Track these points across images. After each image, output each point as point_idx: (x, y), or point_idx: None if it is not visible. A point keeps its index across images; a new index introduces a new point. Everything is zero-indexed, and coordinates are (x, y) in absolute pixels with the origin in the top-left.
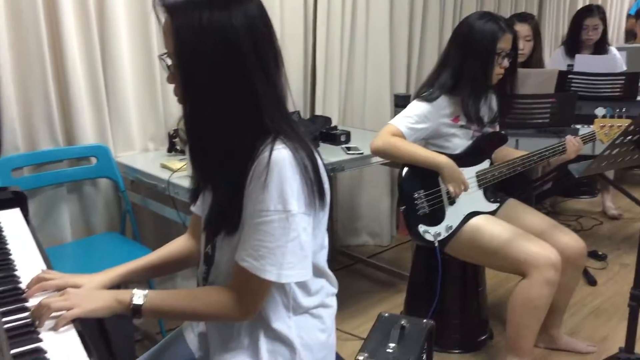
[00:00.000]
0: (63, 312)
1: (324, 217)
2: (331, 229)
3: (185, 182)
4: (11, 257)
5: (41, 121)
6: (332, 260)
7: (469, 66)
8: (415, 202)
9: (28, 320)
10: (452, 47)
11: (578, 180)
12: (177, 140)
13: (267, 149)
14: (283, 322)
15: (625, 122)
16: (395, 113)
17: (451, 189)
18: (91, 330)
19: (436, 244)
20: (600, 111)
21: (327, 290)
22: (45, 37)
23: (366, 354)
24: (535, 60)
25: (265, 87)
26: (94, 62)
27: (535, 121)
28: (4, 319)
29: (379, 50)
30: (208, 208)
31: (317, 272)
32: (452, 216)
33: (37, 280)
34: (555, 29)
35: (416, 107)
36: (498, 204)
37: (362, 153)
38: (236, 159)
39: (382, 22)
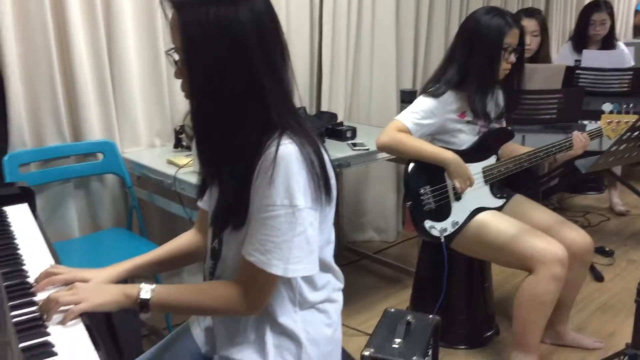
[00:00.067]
0: (71, 306)
1: (331, 212)
2: (337, 225)
3: (192, 178)
4: (19, 251)
5: (48, 117)
6: (338, 256)
7: (475, 61)
8: (421, 197)
9: (36, 314)
10: (458, 43)
11: (585, 176)
12: (183, 136)
13: (274, 144)
14: (289, 316)
15: (632, 118)
16: (402, 109)
17: (457, 184)
18: (99, 324)
19: (442, 240)
20: (607, 107)
21: (333, 285)
22: (52, 33)
23: (372, 349)
24: (542, 55)
25: (271, 82)
26: (101, 58)
27: (542, 117)
28: (13, 313)
29: (385, 47)
30: (215, 203)
31: (324, 267)
32: (458, 212)
33: (46, 274)
34: (562, 24)
35: (422, 103)
36: (504, 200)
37: (368, 149)
38: (243, 154)
39: (389, 19)
